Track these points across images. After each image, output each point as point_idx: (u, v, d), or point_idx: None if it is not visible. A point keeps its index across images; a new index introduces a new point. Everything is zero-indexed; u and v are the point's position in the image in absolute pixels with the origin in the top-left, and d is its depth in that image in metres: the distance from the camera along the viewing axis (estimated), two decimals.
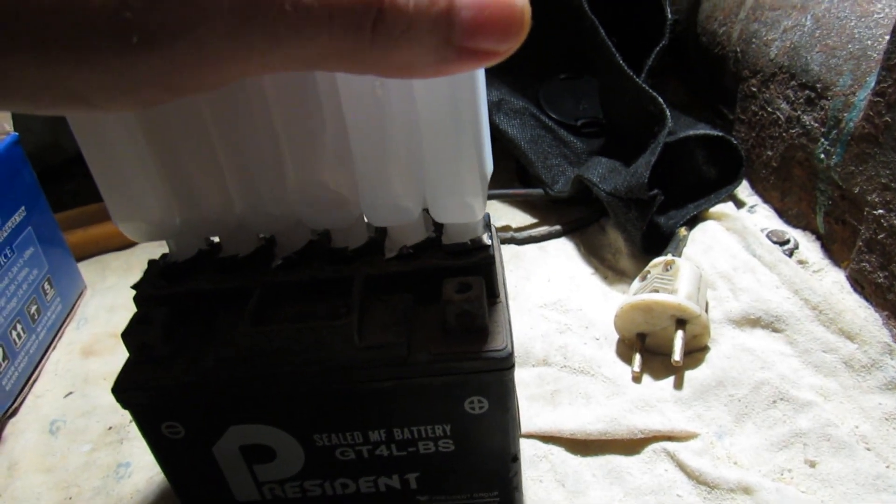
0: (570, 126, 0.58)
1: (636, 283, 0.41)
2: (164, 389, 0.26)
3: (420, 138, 0.24)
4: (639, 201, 0.45)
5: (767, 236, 0.45)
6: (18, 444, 0.39)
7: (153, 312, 0.27)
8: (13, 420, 0.41)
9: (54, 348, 0.47)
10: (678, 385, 0.37)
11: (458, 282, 0.25)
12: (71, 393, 0.43)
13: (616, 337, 0.41)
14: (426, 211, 0.27)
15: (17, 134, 0.46)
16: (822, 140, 0.42)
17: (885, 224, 0.36)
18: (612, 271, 0.47)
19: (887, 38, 0.37)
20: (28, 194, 0.46)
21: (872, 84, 0.37)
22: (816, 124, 0.42)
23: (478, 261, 0.27)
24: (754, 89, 0.50)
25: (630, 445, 0.34)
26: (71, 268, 0.51)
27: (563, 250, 0.50)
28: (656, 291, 0.38)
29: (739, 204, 0.50)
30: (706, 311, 0.39)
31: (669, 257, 0.41)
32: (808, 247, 0.45)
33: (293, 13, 0.16)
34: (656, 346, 0.39)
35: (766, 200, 0.50)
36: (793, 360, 0.37)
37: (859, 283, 0.40)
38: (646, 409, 0.36)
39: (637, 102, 0.49)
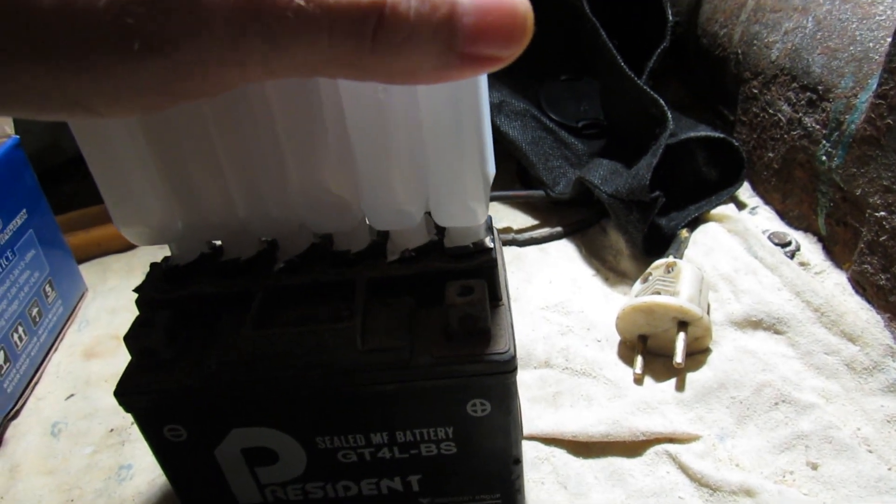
0: (571, 128, 0.58)
1: (638, 285, 0.41)
2: (167, 393, 0.26)
3: (422, 142, 0.24)
4: (640, 203, 0.45)
5: (769, 238, 0.45)
6: (20, 446, 0.39)
7: (155, 316, 0.26)
8: (15, 422, 0.41)
9: (56, 350, 0.47)
10: (680, 387, 0.37)
11: (461, 285, 0.25)
12: (72, 395, 0.43)
13: (618, 339, 0.41)
14: (428, 214, 0.27)
15: (18, 137, 0.46)
16: (824, 142, 0.42)
17: (886, 226, 0.36)
18: (613, 273, 0.47)
19: (889, 40, 0.37)
20: (29, 197, 0.46)
21: (874, 86, 0.37)
22: (818, 126, 0.42)
23: (480, 264, 0.27)
24: (755, 91, 0.50)
25: (632, 447, 0.34)
26: (72, 270, 0.51)
27: (564, 252, 0.50)
28: (658, 293, 0.38)
29: (741, 206, 0.50)
30: (708, 313, 0.39)
31: (671, 259, 0.41)
32: (810, 249, 0.45)
33: (295, 20, 0.16)
34: (658, 348, 0.39)
35: (767, 202, 0.50)
36: (794, 363, 0.37)
37: (861, 286, 0.40)
38: (647, 411, 0.36)
39: (638, 104, 0.49)
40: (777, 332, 0.39)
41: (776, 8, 0.49)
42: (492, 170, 0.26)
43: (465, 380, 0.25)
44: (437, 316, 0.27)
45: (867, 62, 0.39)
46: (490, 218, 0.28)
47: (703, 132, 0.48)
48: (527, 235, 0.52)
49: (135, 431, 0.39)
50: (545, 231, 0.52)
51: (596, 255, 0.49)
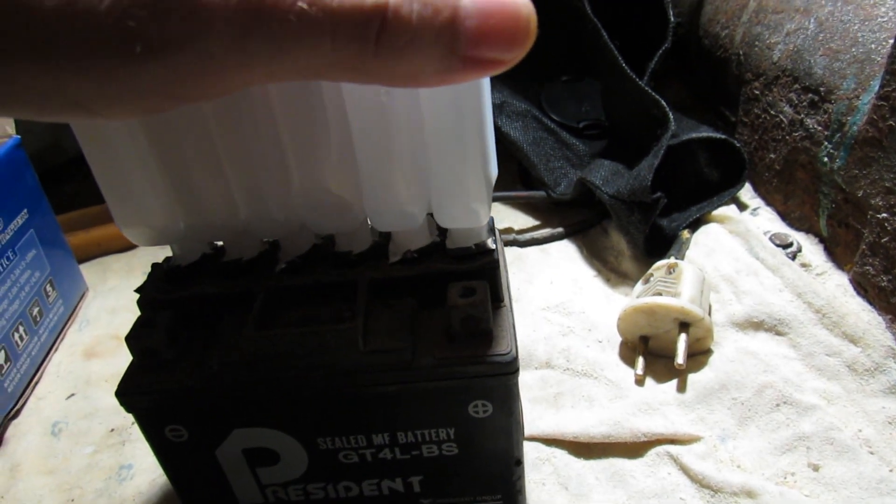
0: (572, 128, 0.58)
1: (639, 286, 0.41)
2: (168, 393, 0.26)
3: (425, 144, 0.24)
4: (642, 204, 0.45)
5: (770, 239, 0.45)
6: (20, 445, 0.39)
7: (157, 316, 0.26)
8: (15, 422, 0.41)
9: (56, 350, 0.47)
10: (681, 388, 0.37)
11: (463, 286, 0.25)
12: (73, 395, 0.43)
13: (619, 340, 0.41)
14: (430, 215, 0.27)
15: (19, 137, 0.46)
16: (826, 143, 0.42)
17: (888, 227, 0.36)
18: (614, 274, 0.47)
19: (891, 41, 0.37)
20: (30, 197, 0.46)
21: (876, 88, 0.37)
22: (820, 128, 0.42)
23: (482, 265, 0.27)
24: (757, 92, 0.50)
25: (633, 448, 0.34)
26: (73, 270, 0.51)
27: (565, 253, 0.50)
28: (659, 294, 0.38)
29: (742, 207, 0.50)
30: (709, 314, 0.39)
31: (672, 260, 0.41)
32: (811, 250, 0.45)
33: (297, 24, 0.16)
34: (659, 349, 0.39)
35: (768, 203, 0.50)
36: (796, 364, 0.37)
37: (862, 287, 0.40)
38: (649, 412, 0.36)
39: (640, 105, 0.49)
40: (778, 334, 0.39)
41: (778, 9, 0.49)
42: (494, 171, 0.26)
43: (467, 381, 0.25)
44: (438, 317, 0.27)
45: (869, 64, 0.39)
46: (492, 219, 0.28)
47: (705, 133, 0.48)
48: (528, 236, 0.52)
49: (135, 431, 0.39)
50: (546, 232, 0.52)
51: (597, 256, 0.49)
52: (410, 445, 0.28)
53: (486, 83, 0.23)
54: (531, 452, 0.35)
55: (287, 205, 0.26)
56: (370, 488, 0.29)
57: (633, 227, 0.45)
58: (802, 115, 0.44)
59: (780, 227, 0.48)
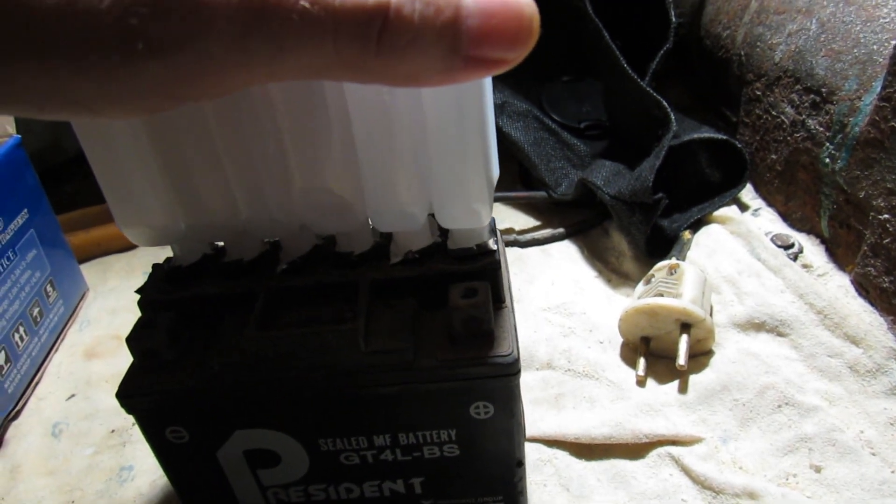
0: (573, 129, 0.58)
1: (640, 287, 0.41)
2: (169, 394, 0.26)
3: (426, 144, 0.24)
4: (643, 205, 0.45)
5: (772, 240, 0.45)
6: (21, 447, 0.39)
7: (158, 317, 0.26)
8: (15, 423, 0.41)
9: (56, 351, 0.47)
10: (683, 389, 0.37)
11: (464, 287, 0.25)
12: (73, 395, 0.43)
13: (620, 340, 0.41)
14: (432, 216, 0.27)
15: (19, 136, 0.46)
16: (827, 144, 0.42)
17: (890, 229, 0.36)
18: (615, 274, 0.47)
19: (893, 43, 0.37)
20: (30, 197, 0.46)
21: (878, 89, 0.37)
22: (821, 128, 0.42)
23: (484, 266, 0.27)
24: (758, 93, 0.50)
25: (635, 450, 0.34)
26: (73, 270, 0.51)
27: (566, 253, 0.50)
28: (661, 295, 0.38)
29: (743, 207, 0.50)
30: (711, 315, 0.39)
31: (674, 261, 0.41)
32: (813, 251, 0.45)
33: (299, 22, 0.16)
34: (661, 350, 0.39)
35: (770, 204, 0.50)
36: (798, 365, 0.37)
37: (864, 288, 0.40)
38: (650, 414, 0.35)
39: (641, 106, 0.49)
40: (780, 335, 0.39)
41: (780, 10, 0.49)
42: (496, 172, 0.26)
43: (469, 382, 0.25)
44: (440, 318, 0.27)
45: (871, 65, 0.39)
46: (493, 219, 0.28)
47: (706, 134, 0.48)
48: (529, 236, 0.52)
49: (136, 432, 0.39)
50: (547, 232, 0.52)
51: (598, 257, 0.49)
52: (412, 447, 0.28)
53: (487, 83, 0.23)
54: (532, 453, 0.35)
55: (288, 205, 0.26)
56: (371, 490, 0.29)
57: (635, 227, 0.45)
58: (804, 116, 0.44)
59: (781, 227, 0.48)
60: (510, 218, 0.55)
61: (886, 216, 0.37)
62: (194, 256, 0.29)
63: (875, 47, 0.39)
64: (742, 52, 0.53)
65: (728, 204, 0.48)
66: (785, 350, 0.38)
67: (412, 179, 0.25)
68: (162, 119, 0.24)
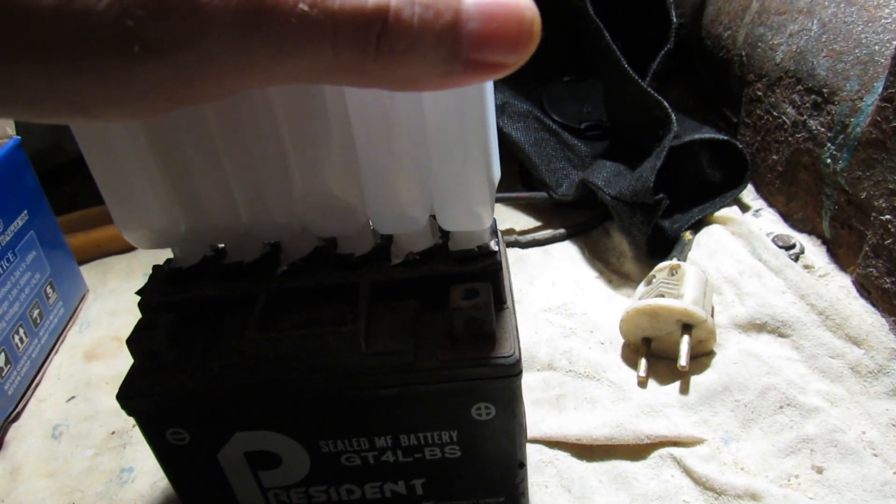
0: (573, 129, 0.58)
1: (641, 288, 0.41)
2: (170, 396, 0.26)
3: (427, 147, 0.24)
4: (644, 205, 0.44)
5: (773, 241, 0.45)
6: (21, 448, 0.39)
7: (158, 319, 0.26)
8: (16, 425, 0.41)
9: (56, 352, 0.47)
10: (684, 390, 0.37)
11: (466, 288, 0.25)
12: (73, 397, 0.43)
13: (621, 341, 0.41)
14: (433, 217, 0.27)
15: (19, 138, 0.45)
16: (829, 145, 0.42)
17: (892, 229, 0.36)
18: (616, 275, 0.47)
19: (895, 43, 0.37)
20: (30, 198, 0.46)
21: (880, 89, 0.37)
22: (823, 129, 0.42)
23: (485, 267, 0.27)
24: (760, 93, 0.50)
25: (636, 451, 0.34)
26: (73, 271, 0.51)
27: (567, 254, 0.50)
28: (662, 296, 0.38)
29: (744, 208, 0.50)
30: (712, 315, 0.39)
31: (675, 262, 0.41)
32: (814, 251, 0.44)
33: (298, 26, 0.15)
34: (662, 351, 0.39)
35: (771, 204, 0.50)
36: (799, 366, 0.37)
37: (866, 289, 0.40)
38: (652, 415, 0.35)
39: (642, 106, 0.49)
40: (781, 336, 0.39)
41: (781, 10, 0.49)
42: (497, 174, 0.26)
43: (470, 383, 0.25)
44: (441, 319, 0.26)
45: (873, 65, 0.39)
46: (494, 220, 0.28)
47: (707, 134, 0.48)
48: (529, 237, 0.52)
49: (136, 434, 0.39)
50: (548, 233, 0.52)
51: (599, 258, 0.49)
52: (413, 448, 0.28)
53: (488, 85, 0.23)
54: (534, 454, 0.35)
55: (289, 208, 0.26)
56: (372, 491, 0.29)
57: (636, 228, 0.45)
58: (805, 117, 0.44)
59: (782, 228, 0.48)
60: (511, 218, 0.55)
61: (888, 217, 0.37)
62: (194, 258, 0.28)
63: (877, 48, 0.39)
64: (743, 53, 0.52)
65: (729, 204, 0.48)
66: (786, 351, 0.38)
67: (413, 182, 0.24)
68: (161, 121, 0.24)
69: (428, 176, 0.25)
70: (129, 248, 0.57)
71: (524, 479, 0.29)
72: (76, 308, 0.50)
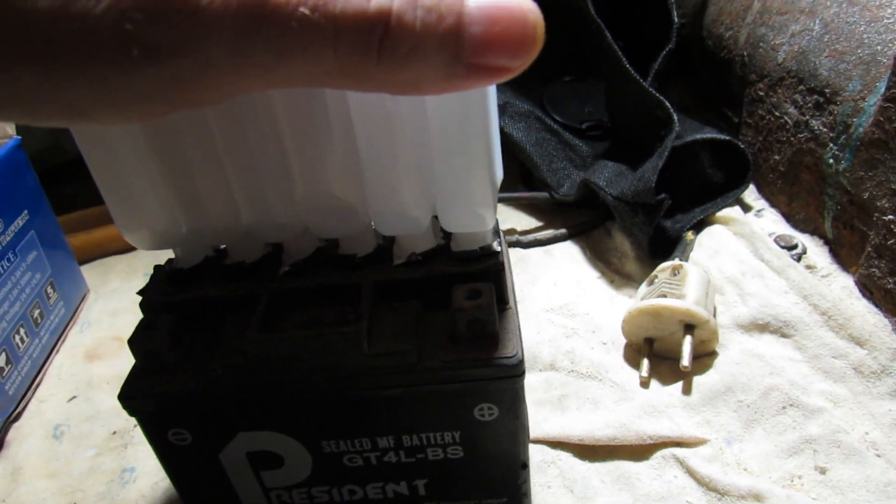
0: (574, 129, 0.58)
1: (643, 288, 0.41)
2: (172, 396, 0.26)
3: (430, 148, 0.24)
4: (645, 205, 0.44)
5: (775, 241, 0.45)
6: (22, 448, 0.39)
7: (160, 319, 0.26)
8: (17, 425, 0.41)
9: (57, 352, 0.47)
10: (686, 390, 0.37)
11: (468, 289, 0.25)
12: (74, 397, 0.43)
13: (623, 341, 0.41)
14: (435, 217, 0.27)
15: (19, 138, 0.45)
16: (831, 145, 0.41)
17: (894, 230, 0.36)
18: (618, 275, 0.47)
19: None
20: (31, 198, 0.46)
21: (882, 89, 0.37)
22: (825, 129, 0.42)
23: (487, 267, 0.27)
24: (761, 93, 0.50)
25: (639, 451, 0.34)
26: (74, 271, 0.51)
27: (568, 254, 0.50)
28: (664, 296, 0.38)
29: (746, 208, 0.50)
30: (714, 316, 0.39)
31: (677, 262, 0.41)
32: (816, 252, 0.44)
33: (299, 30, 0.15)
34: (664, 351, 0.39)
35: (773, 205, 0.50)
36: (802, 366, 0.37)
37: (868, 289, 0.40)
38: (654, 415, 0.35)
39: (643, 106, 0.48)
40: (784, 336, 0.38)
41: (783, 10, 0.49)
42: (500, 175, 0.25)
43: (473, 384, 0.25)
44: (443, 320, 0.26)
45: (875, 65, 0.39)
46: (497, 221, 0.28)
47: (709, 134, 0.47)
48: (531, 237, 0.52)
49: (137, 434, 0.39)
50: (549, 233, 0.52)
51: (601, 258, 0.49)
52: (415, 449, 0.27)
53: (492, 87, 0.23)
54: (536, 455, 0.34)
55: (290, 209, 0.26)
56: (375, 491, 0.29)
57: (637, 228, 0.45)
58: (807, 117, 0.44)
59: (784, 228, 0.48)
60: (512, 219, 0.55)
61: (890, 217, 0.36)
62: (196, 259, 0.28)
63: (879, 48, 0.39)
64: (745, 53, 0.52)
65: (731, 205, 0.48)
66: (789, 351, 0.38)
67: (415, 183, 0.24)
68: (162, 122, 0.24)
69: (430, 177, 0.24)
70: (129, 248, 0.57)
71: (527, 480, 0.29)
72: (77, 308, 0.50)
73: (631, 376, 0.38)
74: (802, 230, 0.47)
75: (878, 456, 0.32)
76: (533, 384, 0.38)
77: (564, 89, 0.62)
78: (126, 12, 0.14)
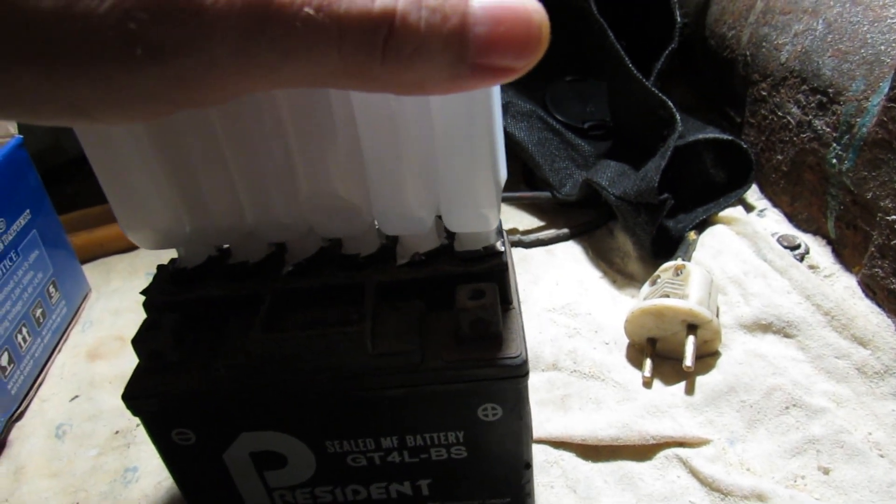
0: (577, 129, 0.58)
1: (646, 288, 0.41)
2: (175, 396, 0.26)
3: (434, 149, 0.23)
4: (648, 205, 0.44)
5: (778, 241, 0.45)
6: (24, 448, 0.39)
7: (163, 319, 0.26)
8: (19, 424, 0.41)
9: (59, 352, 0.47)
10: (689, 391, 0.37)
11: (472, 289, 0.25)
12: (77, 397, 0.43)
13: (626, 341, 0.41)
14: (439, 217, 0.27)
15: (21, 137, 0.45)
16: (834, 145, 0.41)
17: None
18: (620, 275, 0.47)
19: None
20: (32, 197, 0.46)
21: (886, 90, 0.37)
22: (828, 129, 0.42)
23: (491, 267, 0.27)
24: (764, 93, 0.50)
25: (642, 451, 0.34)
26: (76, 271, 0.51)
27: (570, 254, 0.50)
28: (667, 296, 0.38)
29: (749, 208, 0.50)
30: (717, 316, 0.39)
31: (679, 262, 0.41)
32: (819, 252, 0.44)
33: (303, 30, 0.15)
34: (667, 351, 0.39)
35: (775, 205, 0.50)
36: (805, 366, 0.37)
37: (871, 289, 0.40)
38: (657, 415, 0.35)
39: (646, 106, 0.48)
40: (787, 336, 0.38)
41: (786, 10, 0.49)
42: (504, 176, 0.25)
43: (477, 384, 0.25)
44: (447, 320, 0.26)
45: (878, 65, 0.39)
46: (500, 221, 0.28)
47: (712, 134, 0.47)
48: (533, 237, 0.52)
49: (140, 433, 0.39)
50: (551, 232, 0.52)
51: (603, 257, 0.49)
52: (419, 449, 0.27)
53: (496, 87, 0.23)
54: (539, 455, 0.34)
55: (294, 209, 0.26)
56: (378, 491, 0.29)
57: (640, 228, 0.45)
58: (810, 117, 0.44)
59: (787, 228, 0.48)
60: (514, 218, 0.55)
61: (894, 217, 0.36)
62: (199, 258, 0.28)
63: (882, 48, 0.39)
64: (747, 53, 0.52)
65: (734, 205, 0.48)
66: (792, 351, 0.38)
67: (419, 184, 0.24)
68: (165, 122, 0.24)
69: (434, 177, 0.24)
70: (131, 247, 0.57)
71: (530, 480, 0.29)
72: (79, 307, 0.50)
73: (634, 376, 0.38)
74: (805, 230, 0.47)
75: (882, 456, 0.32)
76: (535, 384, 0.38)
77: (567, 89, 0.61)
78: (130, 12, 0.14)
